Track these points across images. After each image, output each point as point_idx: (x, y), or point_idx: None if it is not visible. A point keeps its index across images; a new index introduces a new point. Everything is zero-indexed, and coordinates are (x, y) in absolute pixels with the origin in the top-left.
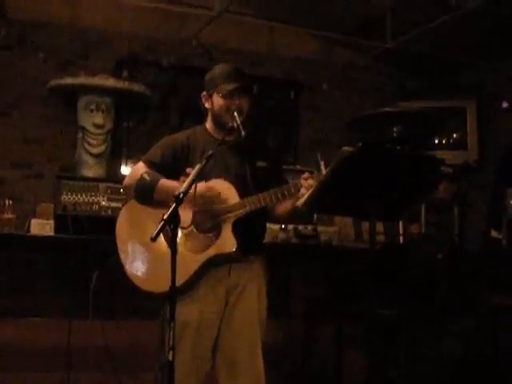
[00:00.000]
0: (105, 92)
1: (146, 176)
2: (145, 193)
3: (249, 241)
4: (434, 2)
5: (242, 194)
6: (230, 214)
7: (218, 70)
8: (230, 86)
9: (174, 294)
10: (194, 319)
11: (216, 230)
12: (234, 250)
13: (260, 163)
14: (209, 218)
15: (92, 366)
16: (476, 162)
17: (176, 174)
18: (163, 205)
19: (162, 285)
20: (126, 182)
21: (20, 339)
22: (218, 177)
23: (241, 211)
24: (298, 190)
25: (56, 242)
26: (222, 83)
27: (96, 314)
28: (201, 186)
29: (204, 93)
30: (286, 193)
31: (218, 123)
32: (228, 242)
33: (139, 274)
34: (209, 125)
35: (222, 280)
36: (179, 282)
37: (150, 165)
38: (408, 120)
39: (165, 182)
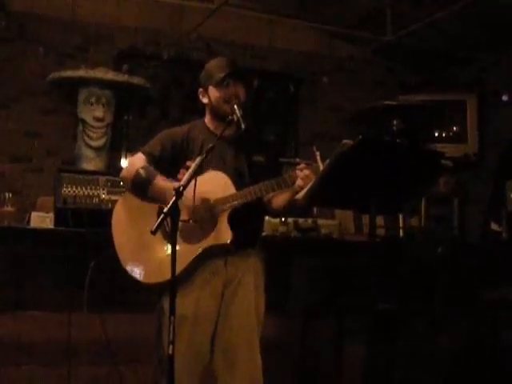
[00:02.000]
0: (105, 85)
1: (141, 172)
2: (139, 189)
3: (245, 233)
4: None
5: (239, 187)
6: (225, 206)
7: (211, 63)
8: (223, 74)
9: (174, 288)
10: (191, 312)
11: (212, 222)
12: (229, 241)
13: (257, 157)
14: (205, 210)
15: (92, 360)
16: (476, 154)
17: (174, 166)
18: (157, 201)
19: (157, 276)
20: (123, 173)
21: (19, 333)
22: (215, 170)
23: (236, 202)
24: (294, 181)
25: (56, 235)
26: (215, 74)
27: (94, 307)
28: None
29: (201, 89)
30: (281, 184)
31: (218, 116)
32: (224, 233)
33: (135, 265)
34: (208, 120)
35: (219, 273)
36: None
37: (150, 157)
38: (408, 113)
39: (158, 182)
